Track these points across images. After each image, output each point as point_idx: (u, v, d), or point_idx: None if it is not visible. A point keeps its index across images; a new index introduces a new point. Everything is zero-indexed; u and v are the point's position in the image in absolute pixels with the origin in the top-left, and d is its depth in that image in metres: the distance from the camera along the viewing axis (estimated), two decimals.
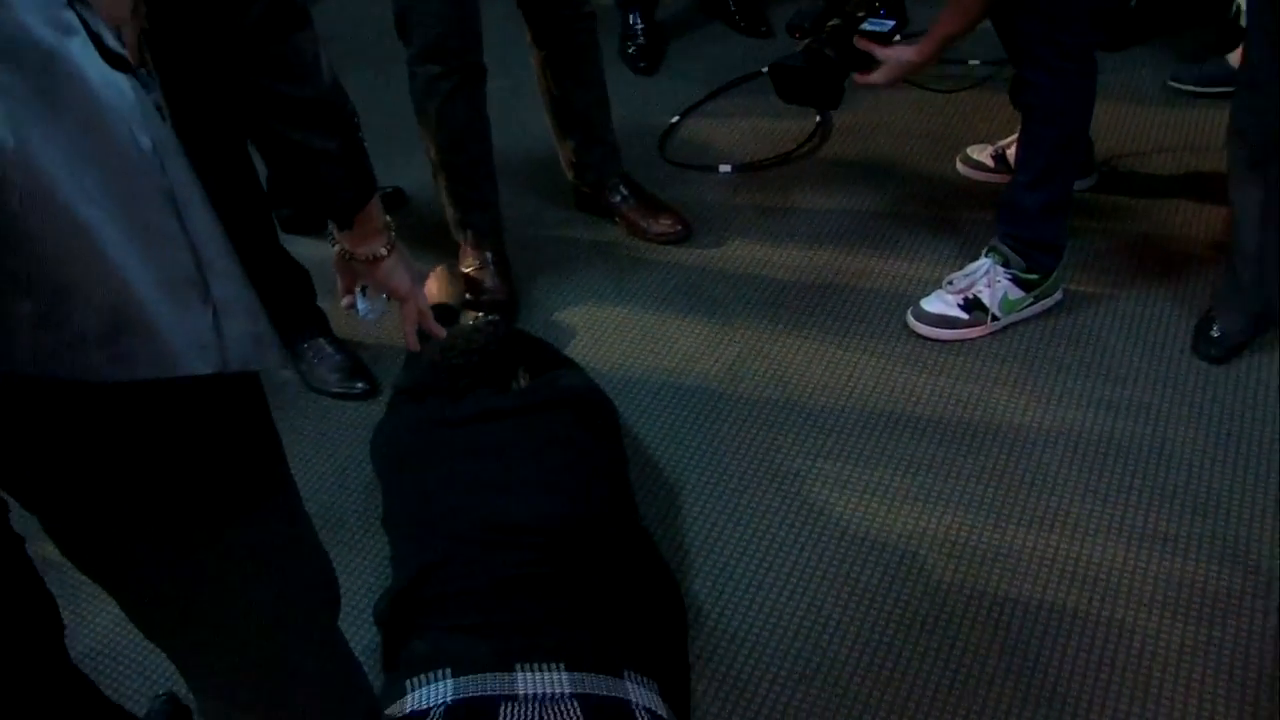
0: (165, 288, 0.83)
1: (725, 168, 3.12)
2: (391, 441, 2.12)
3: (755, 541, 2.07)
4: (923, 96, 3.28)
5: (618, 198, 2.93)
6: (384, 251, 1.48)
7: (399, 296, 1.55)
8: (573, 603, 1.70)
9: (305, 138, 1.30)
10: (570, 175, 2.98)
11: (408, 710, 1.53)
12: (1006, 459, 2.17)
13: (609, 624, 1.69)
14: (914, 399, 2.33)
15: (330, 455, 2.39)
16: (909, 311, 2.50)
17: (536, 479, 1.90)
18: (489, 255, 2.73)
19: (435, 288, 2.62)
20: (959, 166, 2.98)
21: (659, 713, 1.56)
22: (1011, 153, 2.82)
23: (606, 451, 2.07)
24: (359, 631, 1.94)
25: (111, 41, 0.88)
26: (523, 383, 2.24)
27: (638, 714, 1.52)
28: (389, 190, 3.04)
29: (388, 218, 1.47)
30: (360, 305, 1.61)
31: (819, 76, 2.41)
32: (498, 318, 2.55)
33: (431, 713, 1.50)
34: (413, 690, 1.55)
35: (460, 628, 1.66)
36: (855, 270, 2.71)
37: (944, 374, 2.38)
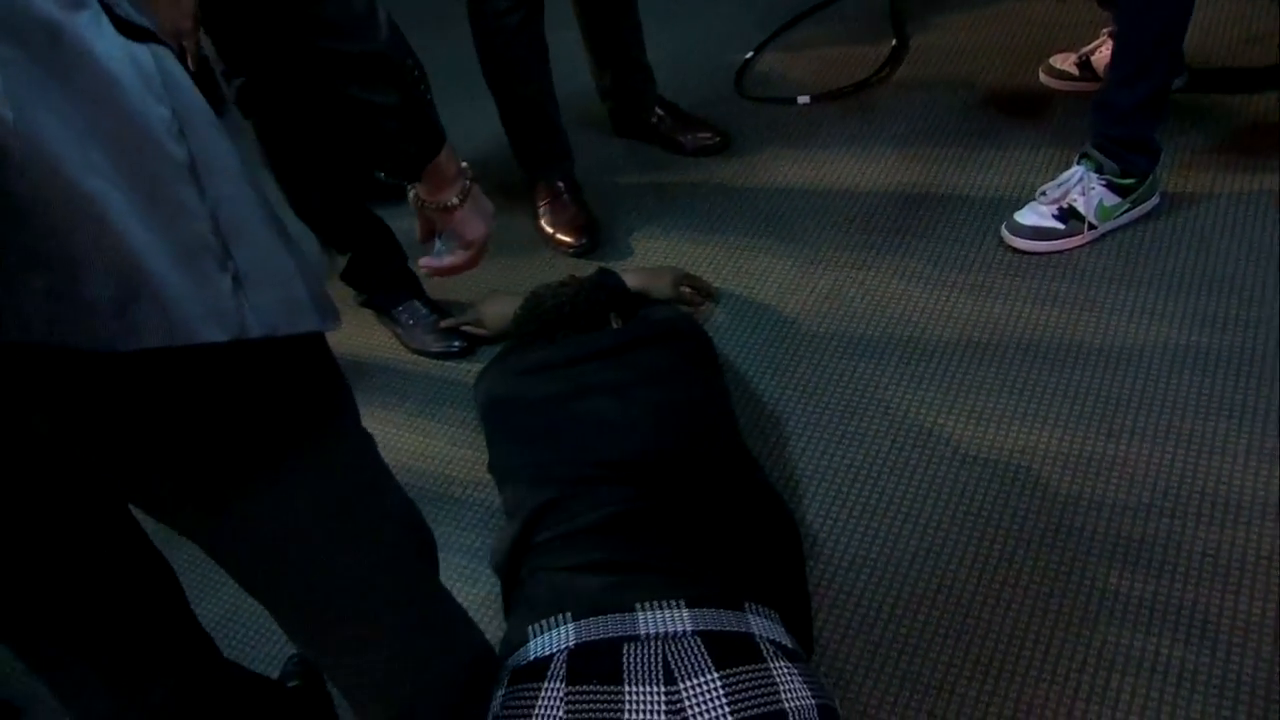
0: (177, 256, 0.83)
1: (804, 98, 3.08)
2: (493, 390, 2.12)
3: (865, 467, 2.05)
4: (997, 12, 3.20)
5: (654, 118, 3.03)
6: (455, 201, 1.47)
7: (468, 244, 1.54)
8: (687, 536, 1.69)
9: (366, 94, 1.28)
10: (609, 102, 3.08)
11: (531, 657, 1.52)
12: (1114, 373, 2.12)
13: (726, 556, 1.67)
14: (1014, 317, 2.28)
15: (434, 413, 2.40)
16: (1003, 226, 2.44)
17: (641, 413, 1.89)
18: (561, 185, 2.81)
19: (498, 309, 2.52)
20: (1042, 78, 2.90)
21: (783, 643, 1.55)
22: (1097, 59, 2.75)
23: (707, 381, 2.05)
24: (472, 584, 1.95)
25: (126, 10, 0.88)
26: (615, 326, 2.23)
27: (762, 646, 1.51)
28: None
29: (464, 164, 1.46)
30: (437, 251, 1.62)
31: None
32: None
33: (555, 659, 1.50)
34: (534, 636, 1.55)
35: (576, 567, 1.66)
36: (944, 189, 2.66)
37: (1043, 287, 2.33)
